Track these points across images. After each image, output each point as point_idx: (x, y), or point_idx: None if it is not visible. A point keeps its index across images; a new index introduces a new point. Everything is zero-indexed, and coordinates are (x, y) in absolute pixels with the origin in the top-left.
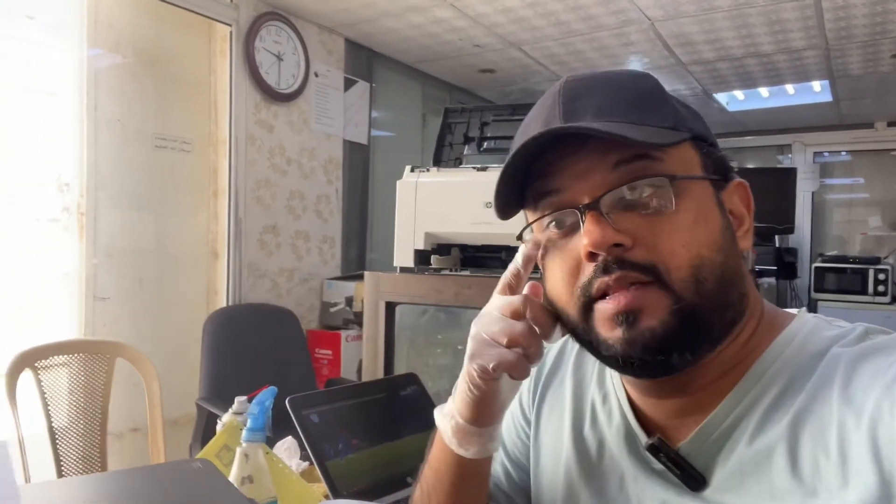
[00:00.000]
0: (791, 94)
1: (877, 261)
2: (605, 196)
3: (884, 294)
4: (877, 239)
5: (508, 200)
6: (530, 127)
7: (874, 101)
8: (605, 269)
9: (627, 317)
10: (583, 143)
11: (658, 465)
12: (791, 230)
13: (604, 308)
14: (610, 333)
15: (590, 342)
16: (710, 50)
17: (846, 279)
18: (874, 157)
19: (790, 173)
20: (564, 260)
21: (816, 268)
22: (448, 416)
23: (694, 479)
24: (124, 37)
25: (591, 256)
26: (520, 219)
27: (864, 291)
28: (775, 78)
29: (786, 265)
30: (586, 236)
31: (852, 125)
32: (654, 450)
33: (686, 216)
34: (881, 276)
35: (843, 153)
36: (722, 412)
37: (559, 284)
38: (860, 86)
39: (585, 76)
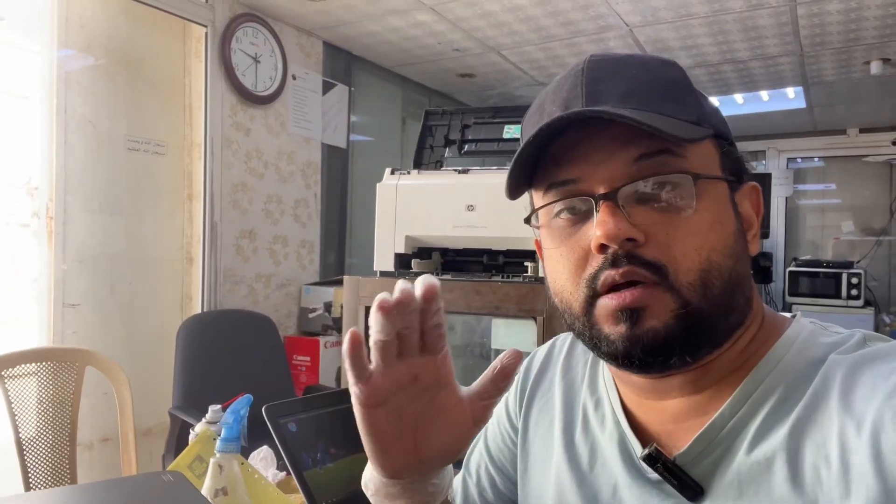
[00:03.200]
0: (765, 101)
1: (850, 265)
2: (623, 188)
3: (857, 298)
4: (849, 244)
5: (519, 181)
6: (547, 105)
7: (847, 108)
8: (613, 262)
9: (631, 314)
10: (604, 129)
11: (654, 475)
12: (766, 235)
13: (608, 303)
14: (612, 329)
15: (589, 337)
16: (686, 56)
17: (820, 283)
18: (846, 163)
19: (765, 179)
20: (572, 250)
21: (791, 272)
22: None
23: (691, 489)
24: (96, 37)
25: (602, 248)
26: (505, 221)
27: (837, 295)
28: (750, 84)
29: (761, 269)
30: (599, 227)
31: (825, 131)
32: (650, 460)
33: (703, 218)
34: (854, 280)
35: (816, 159)
36: (721, 419)
37: (563, 275)
38: (833, 92)
39: (610, 57)
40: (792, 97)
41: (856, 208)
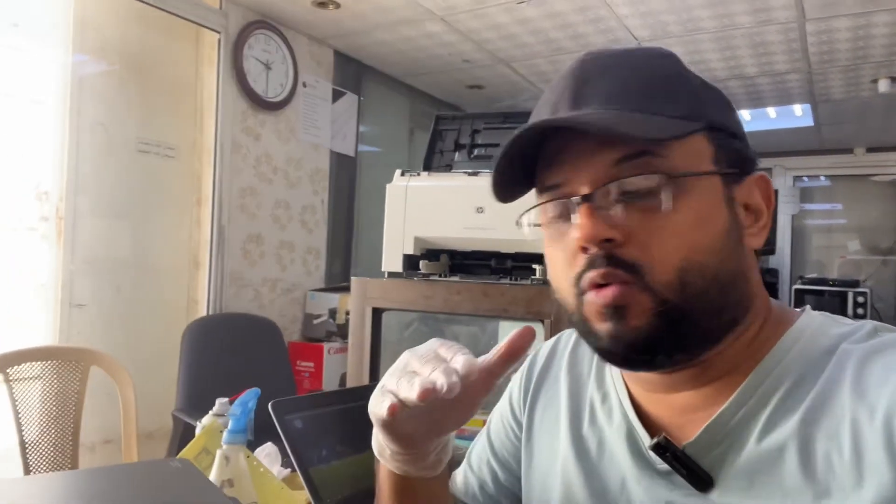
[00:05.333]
0: (773, 118)
1: (856, 283)
2: (598, 190)
3: (863, 316)
4: (855, 263)
5: (513, 182)
6: (542, 106)
7: (854, 127)
8: (592, 263)
9: (615, 311)
10: (585, 132)
11: (663, 466)
12: (772, 251)
13: (593, 300)
14: (599, 325)
15: (583, 332)
16: (694, 71)
17: (826, 301)
18: (853, 183)
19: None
20: (564, 249)
21: (797, 290)
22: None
23: (701, 479)
24: (110, 42)
25: (583, 249)
26: (514, 224)
27: (843, 314)
28: (758, 101)
29: (767, 285)
30: (576, 230)
31: (832, 150)
32: (659, 449)
33: (684, 216)
34: (860, 300)
35: (823, 178)
36: (730, 409)
37: (558, 272)
38: (841, 110)
39: (603, 55)
40: (799, 115)
41: (862, 228)
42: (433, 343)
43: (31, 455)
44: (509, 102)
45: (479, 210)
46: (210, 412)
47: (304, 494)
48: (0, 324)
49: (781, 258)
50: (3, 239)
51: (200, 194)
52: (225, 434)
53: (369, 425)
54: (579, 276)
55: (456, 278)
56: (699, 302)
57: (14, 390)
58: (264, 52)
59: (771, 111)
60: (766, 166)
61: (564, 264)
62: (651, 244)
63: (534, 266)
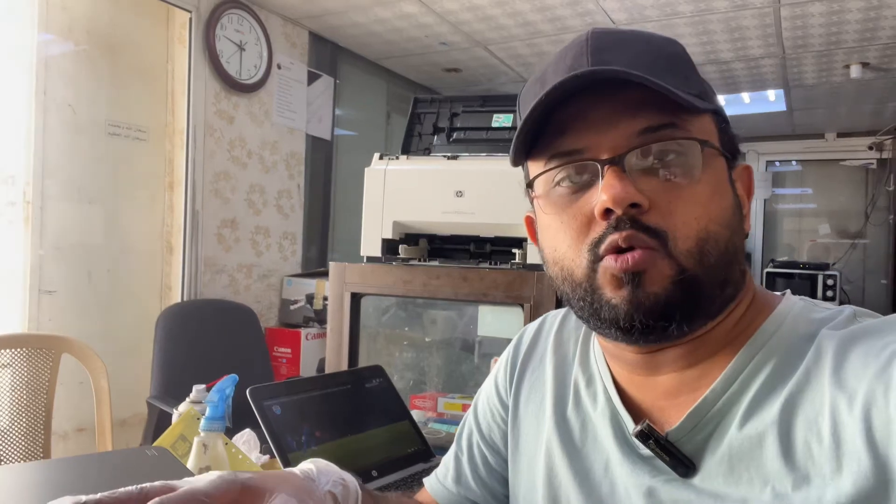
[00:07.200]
0: (746, 103)
1: (826, 267)
2: (629, 153)
3: (832, 299)
4: (825, 246)
5: (522, 149)
6: (549, 76)
7: (826, 112)
8: (616, 226)
9: (634, 277)
10: (609, 99)
11: (645, 451)
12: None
13: (611, 265)
14: (615, 293)
15: (591, 303)
16: None
17: (796, 284)
18: (823, 167)
19: None
20: (574, 217)
21: (768, 273)
22: None
23: (683, 465)
24: (78, 21)
25: (607, 213)
26: (494, 208)
27: (812, 296)
28: (733, 86)
29: None
30: (606, 191)
31: (804, 135)
32: (642, 436)
33: (705, 188)
34: (829, 282)
35: (794, 163)
36: (712, 395)
37: (565, 242)
38: (813, 95)
39: (614, 30)
40: (772, 100)
41: (832, 211)
42: None
43: (1, 443)
44: (486, 86)
45: (459, 194)
46: (187, 399)
47: None
48: None
49: (753, 241)
50: None
51: (173, 178)
52: (202, 421)
53: (348, 411)
54: (596, 242)
55: (435, 263)
56: (711, 273)
57: None
58: (237, 32)
59: (745, 96)
60: (740, 151)
61: (574, 231)
62: (675, 212)
63: (513, 250)
